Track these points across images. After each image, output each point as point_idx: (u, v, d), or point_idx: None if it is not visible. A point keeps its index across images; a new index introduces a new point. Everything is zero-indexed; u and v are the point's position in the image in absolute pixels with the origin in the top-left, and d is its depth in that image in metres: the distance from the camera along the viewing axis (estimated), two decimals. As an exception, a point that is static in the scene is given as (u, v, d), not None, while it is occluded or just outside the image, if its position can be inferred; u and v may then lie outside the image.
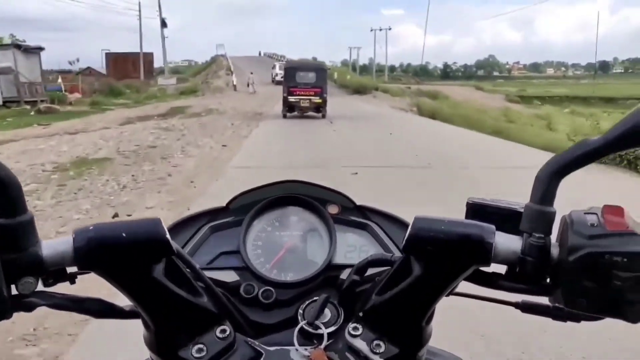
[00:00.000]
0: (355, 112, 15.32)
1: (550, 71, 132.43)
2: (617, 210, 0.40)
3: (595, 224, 0.40)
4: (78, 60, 47.42)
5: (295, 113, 14.19)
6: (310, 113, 14.19)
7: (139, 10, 36.74)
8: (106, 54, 46.24)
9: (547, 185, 0.41)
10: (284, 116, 14.01)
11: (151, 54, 38.61)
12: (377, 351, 0.45)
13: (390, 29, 64.21)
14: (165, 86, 28.80)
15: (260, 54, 47.94)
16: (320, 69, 15.22)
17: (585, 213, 0.40)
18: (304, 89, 14.38)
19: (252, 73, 27.75)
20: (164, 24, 36.19)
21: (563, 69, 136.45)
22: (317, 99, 14.24)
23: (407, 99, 23.26)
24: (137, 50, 38.01)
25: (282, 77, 34.75)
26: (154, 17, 39.43)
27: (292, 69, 14.90)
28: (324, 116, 14.10)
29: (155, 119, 12.91)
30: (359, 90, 26.59)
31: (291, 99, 14.11)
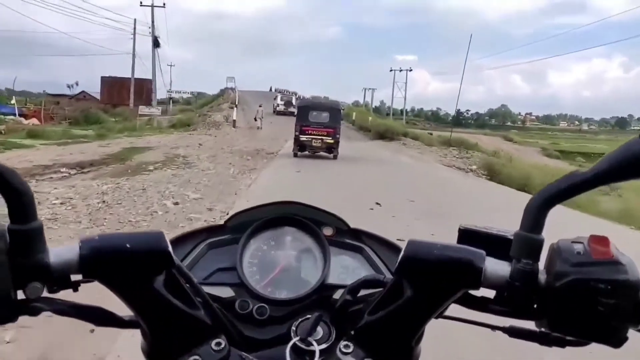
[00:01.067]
0: (399, 174, 10.95)
1: (563, 124, 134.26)
2: (603, 240, 0.43)
3: (582, 252, 0.42)
4: (77, 84, 40.61)
5: (307, 152, 13.76)
6: (322, 153, 13.73)
7: (134, 29, 34.13)
8: (102, 78, 43.54)
9: (536, 214, 0.43)
10: (295, 155, 13.60)
11: (149, 81, 34.92)
12: None
13: (411, 69, 63.03)
14: (149, 116, 26.18)
15: (271, 89, 46.85)
16: (334, 109, 14.69)
17: (572, 242, 0.43)
18: (316, 128, 13.98)
19: (260, 106, 25.30)
20: (156, 43, 33.29)
21: (576, 122, 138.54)
22: (329, 140, 13.76)
23: (451, 151, 19.96)
24: (145, 76, 35.27)
25: (283, 107, 33.75)
26: (164, 45, 37.24)
27: (305, 108, 14.49)
28: (335, 157, 13.67)
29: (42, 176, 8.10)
30: (383, 135, 23.49)
31: (303, 137, 13.65)
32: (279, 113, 31.37)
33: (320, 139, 13.70)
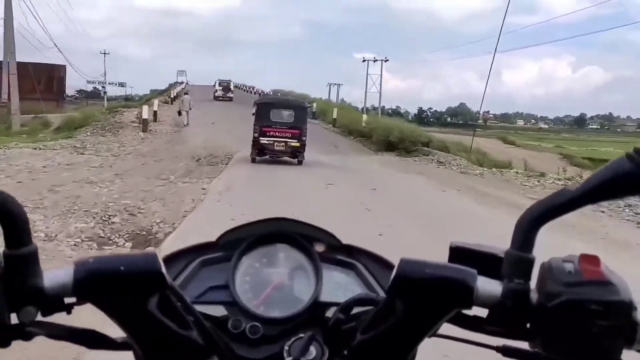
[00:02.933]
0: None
1: (520, 122, 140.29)
2: (593, 260, 0.45)
3: (573, 272, 0.44)
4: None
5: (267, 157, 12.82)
6: (285, 158, 12.97)
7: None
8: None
9: (526, 233, 0.46)
10: (253, 160, 12.90)
11: (62, 67, 28.32)
12: None
13: (387, 60, 59.34)
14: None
15: (216, 84, 39.79)
16: (299, 107, 13.99)
17: (563, 260, 0.45)
18: (279, 129, 13.08)
19: (186, 93, 21.75)
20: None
21: (533, 121, 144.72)
22: (294, 142, 13.09)
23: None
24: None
25: (222, 93, 32.26)
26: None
27: (266, 105, 13.67)
28: (300, 162, 12.99)
29: None
30: (394, 145, 17.07)
31: (263, 140, 12.90)
32: (216, 98, 34.61)
33: (283, 141, 12.99)
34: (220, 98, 35.54)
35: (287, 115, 13.25)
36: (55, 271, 0.46)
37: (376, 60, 58.00)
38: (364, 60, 57.74)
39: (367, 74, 54.52)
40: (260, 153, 12.82)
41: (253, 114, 13.07)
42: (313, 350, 0.54)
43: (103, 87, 36.08)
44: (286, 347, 0.55)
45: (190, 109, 19.42)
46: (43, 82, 25.85)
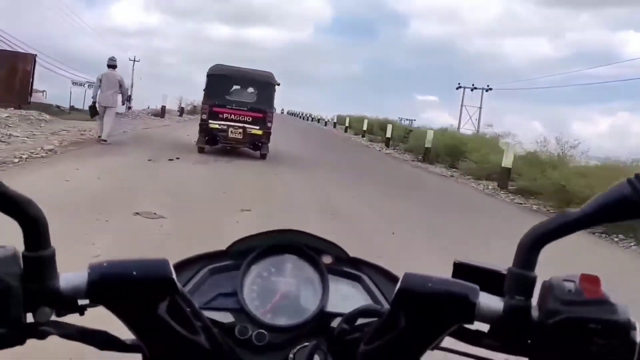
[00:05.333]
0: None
1: None
2: (594, 280, 0.50)
3: (573, 291, 0.49)
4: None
5: (218, 147, 11.40)
6: (245, 149, 11.55)
7: None
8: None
9: (528, 252, 0.51)
10: (201, 150, 11.30)
11: (30, 57, 21.09)
12: None
13: (490, 88, 55.15)
14: None
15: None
16: (265, 83, 11.91)
17: (563, 280, 0.50)
18: (236, 110, 11.34)
19: (112, 67, 12.63)
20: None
21: None
22: (255, 129, 11.37)
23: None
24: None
25: None
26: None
27: (219, 78, 11.59)
28: (263, 156, 11.44)
29: None
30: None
31: (214, 124, 11.22)
32: None
33: (241, 127, 11.20)
34: None
35: (248, 93, 11.68)
36: (71, 274, 0.51)
37: (475, 88, 52.99)
38: (458, 88, 54.60)
39: (462, 103, 52.56)
40: (211, 141, 11.35)
41: (204, 90, 11.59)
42: (317, 359, 0.61)
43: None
44: (291, 355, 0.62)
45: (129, 103, 15.92)
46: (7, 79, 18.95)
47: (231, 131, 11.21)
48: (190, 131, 14.40)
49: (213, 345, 0.56)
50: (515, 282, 0.52)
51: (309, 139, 22.17)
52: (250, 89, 11.73)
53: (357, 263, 0.74)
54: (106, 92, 11.15)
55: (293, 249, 0.73)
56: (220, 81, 11.39)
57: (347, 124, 35.52)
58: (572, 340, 0.48)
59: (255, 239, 0.74)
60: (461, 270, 0.57)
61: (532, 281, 0.51)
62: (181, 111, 29.07)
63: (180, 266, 0.70)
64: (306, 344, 0.62)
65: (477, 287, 0.52)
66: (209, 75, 11.61)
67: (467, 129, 47.42)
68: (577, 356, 0.48)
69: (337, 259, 0.74)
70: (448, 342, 0.57)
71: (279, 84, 12.25)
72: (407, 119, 51.86)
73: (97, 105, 11.20)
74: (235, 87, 11.68)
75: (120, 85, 11.43)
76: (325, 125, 44.43)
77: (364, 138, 27.81)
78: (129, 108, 21.57)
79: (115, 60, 11.59)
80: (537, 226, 0.52)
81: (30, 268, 0.49)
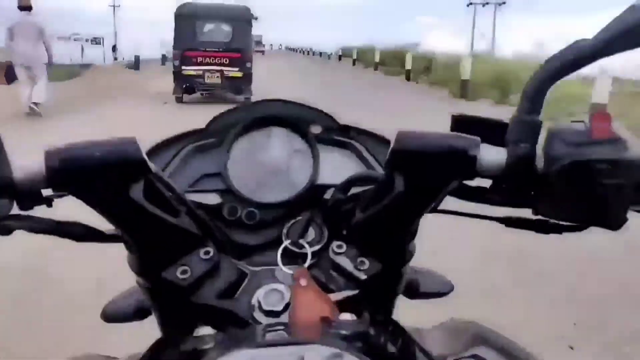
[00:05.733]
0: None
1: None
2: (604, 117, 0.47)
3: (581, 132, 0.47)
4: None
5: (198, 96, 11.11)
6: (228, 95, 11.02)
7: None
8: None
9: (534, 93, 0.48)
10: (179, 100, 10.89)
11: None
12: (361, 268, 0.55)
13: (504, 2, 50.76)
14: None
15: None
16: (240, 20, 11.21)
17: (572, 121, 0.49)
18: (211, 53, 10.82)
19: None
20: None
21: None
22: (234, 71, 10.82)
23: None
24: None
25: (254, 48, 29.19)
26: None
27: (188, 19, 10.97)
28: (247, 99, 10.64)
29: None
30: None
31: (188, 70, 10.69)
32: None
33: (218, 70, 10.69)
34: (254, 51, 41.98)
35: (222, 32, 11.10)
36: (25, 161, 0.48)
37: (487, 3, 47.80)
38: (469, 4, 48.92)
39: (473, 22, 50.06)
40: (189, 90, 10.94)
41: (174, 34, 11.13)
42: (312, 232, 0.60)
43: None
44: (284, 231, 0.61)
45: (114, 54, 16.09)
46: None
47: (208, 76, 10.72)
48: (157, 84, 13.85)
49: (200, 229, 0.56)
50: (520, 128, 0.49)
51: (312, 77, 19.27)
52: (224, 27, 11.07)
53: (348, 130, 0.72)
54: (23, 46, 8.25)
55: (278, 121, 0.71)
56: (190, 21, 10.79)
57: (354, 56, 32.57)
58: (579, 185, 0.47)
59: (237, 113, 0.71)
60: (459, 123, 0.54)
61: (538, 126, 0.49)
62: (163, 59, 26.85)
63: (158, 147, 0.68)
64: (299, 218, 0.62)
65: (478, 138, 0.50)
66: (176, 16, 10.95)
67: (480, 49, 43.64)
68: (585, 200, 0.47)
69: (326, 128, 0.72)
70: (447, 202, 0.58)
71: (256, 18, 11.67)
72: (410, 43, 49.13)
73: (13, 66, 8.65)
74: (207, 26, 11.04)
75: (42, 34, 8.45)
76: (329, 58, 42.88)
77: (377, 71, 24.91)
78: (115, 59, 20.52)
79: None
80: (543, 66, 0.49)
81: None
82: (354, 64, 31.06)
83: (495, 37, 48.22)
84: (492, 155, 0.49)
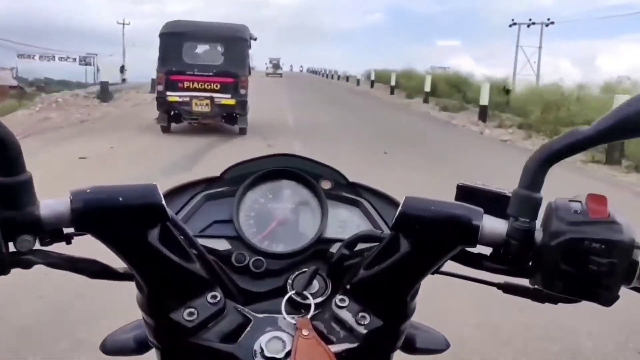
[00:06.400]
0: None
1: None
2: (600, 200, 0.54)
3: (579, 211, 0.54)
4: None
5: (185, 125, 10.78)
6: (220, 124, 10.78)
7: None
8: None
9: (535, 172, 0.55)
10: (164, 129, 10.66)
11: None
12: (362, 322, 0.61)
13: (552, 22, 48.15)
14: None
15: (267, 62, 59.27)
16: (233, 38, 10.76)
17: (569, 201, 0.56)
18: (199, 77, 10.38)
19: None
20: None
21: None
22: (225, 98, 10.37)
23: None
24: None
25: (272, 70, 36.83)
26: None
27: (174, 38, 10.55)
28: (242, 131, 10.73)
29: None
30: None
31: (173, 96, 10.32)
32: (267, 75, 47.80)
33: (207, 97, 10.27)
34: (271, 75, 49.48)
35: (213, 53, 10.80)
36: (52, 201, 0.56)
37: (533, 23, 47.24)
38: (512, 25, 48.68)
39: (517, 42, 47.56)
40: (175, 118, 10.60)
41: (158, 55, 10.85)
42: (316, 284, 0.67)
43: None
44: (289, 281, 0.68)
45: (122, 75, 16.89)
46: None
47: (195, 103, 10.35)
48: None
49: (209, 273, 0.63)
50: (520, 203, 0.56)
51: (349, 118, 15.50)
52: (216, 48, 10.87)
53: (356, 187, 0.81)
54: None
55: (290, 174, 0.80)
56: (177, 41, 10.48)
57: (392, 82, 28.83)
58: (574, 261, 0.53)
59: (251, 164, 0.80)
60: (464, 192, 0.61)
61: (538, 202, 0.56)
62: (153, 84, 25.50)
63: (173, 193, 0.77)
64: (305, 269, 0.69)
65: (481, 209, 0.58)
66: (161, 35, 10.73)
67: (525, 75, 42.50)
68: (578, 276, 0.53)
69: (335, 183, 0.80)
70: (448, 265, 0.65)
71: (255, 39, 11.31)
72: (440, 67, 48.14)
73: None
74: (196, 47, 10.95)
75: None
76: (358, 84, 40.45)
77: (429, 105, 21.50)
78: (123, 80, 20.42)
79: None
80: (545, 145, 0.56)
81: (5, 195, 0.53)
82: (392, 92, 27.87)
83: (540, 60, 47.51)
84: (493, 226, 0.57)
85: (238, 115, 10.53)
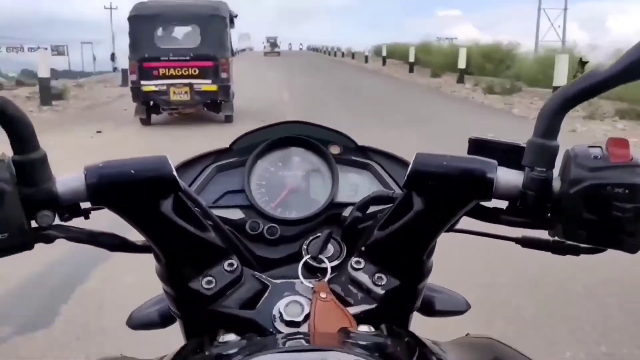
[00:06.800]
0: None
1: None
2: (622, 143, 0.54)
3: (599, 157, 0.54)
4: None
5: (166, 115, 10.30)
6: (203, 112, 10.55)
7: None
8: None
9: (551, 118, 0.56)
10: (144, 122, 10.14)
11: None
12: (379, 283, 0.64)
13: None
14: None
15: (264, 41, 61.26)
16: (210, 17, 10.15)
17: (589, 146, 0.56)
18: (175, 62, 9.89)
19: None
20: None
21: None
22: (206, 84, 9.86)
23: None
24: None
25: (270, 49, 39.94)
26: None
27: (145, 20, 10.00)
28: (228, 118, 10.25)
29: None
30: None
31: (148, 85, 9.79)
32: (266, 54, 49.10)
33: (186, 84, 9.79)
34: (269, 54, 50.55)
35: (189, 35, 10.33)
36: (67, 176, 0.61)
37: None
38: None
39: (539, 5, 44.59)
40: (153, 109, 10.10)
41: (129, 41, 10.34)
42: (331, 248, 0.70)
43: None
44: (304, 246, 0.71)
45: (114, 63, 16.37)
46: None
47: (174, 91, 9.84)
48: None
49: (225, 242, 0.67)
50: (536, 152, 0.57)
51: (372, 114, 11.47)
52: (192, 29, 10.44)
53: (366, 151, 0.84)
54: None
55: (299, 141, 0.83)
56: (148, 24, 10.01)
57: (411, 58, 24.70)
58: (596, 208, 0.53)
59: (259, 133, 0.84)
60: (477, 146, 0.63)
61: (555, 150, 0.56)
62: (124, 75, 23.56)
63: (184, 166, 0.81)
64: (319, 234, 0.71)
65: (495, 161, 0.58)
66: (130, 19, 10.26)
67: (548, 40, 39.82)
68: (601, 223, 0.54)
69: (345, 148, 0.83)
70: (464, 222, 0.65)
71: (235, 16, 10.78)
72: (446, 38, 46.49)
73: None
74: (170, 29, 10.55)
75: None
76: (366, 61, 34.96)
77: (465, 86, 17.72)
78: (115, 69, 19.91)
79: None
80: (560, 90, 0.56)
81: (22, 172, 0.57)
82: (411, 69, 24.05)
83: (566, 22, 44.48)
84: (508, 178, 0.58)
85: (222, 102, 10.24)
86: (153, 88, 9.71)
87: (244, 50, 68.21)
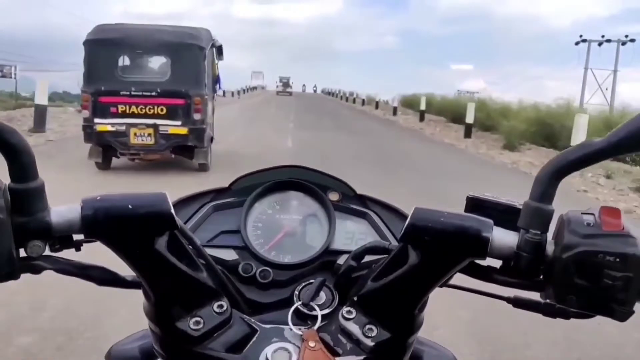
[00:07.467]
0: None
1: None
2: (614, 212, 0.59)
3: (592, 224, 0.59)
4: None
5: (126, 161, 9.68)
6: (173, 157, 10.03)
7: None
8: None
9: (547, 184, 0.60)
10: (100, 166, 9.44)
11: None
12: (369, 335, 0.67)
13: (633, 39, 46.51)
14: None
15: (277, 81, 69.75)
16: (183, 46, 9.42)
17: (582, 213, 0.61)
18: (138, 98, 9.27)
19: None
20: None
21: None
22: (174, 126, 9.18)
23: None
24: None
25: (282, 88, 41.48)
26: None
27: (104, 46, 9.21)
28: (203, 167, 9.65)
29: None
30: None
31: (103, 124, 9.09)
32: (278, 93, 57.47)
33: (150, 125, 9.18)
34: (281, 93, 57.40)
35: (157, 66, 9.97)
36: (62, 207, 0.64)
37: (608, 41, 46.10)
38: (578, 43, 46.60)
39: (586, 64, 44.49)
40: (113, 151, 9.53)
41: (84, 70, 9.83)
42: (323, 296, 0.75)
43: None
44: (296, 292, 0.77)
45: None
46: None
47: (134, 133, 9.09)
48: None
49: (216, 283, 0.71)
50: (531, 215, 0.61)
51: None
52: (160, 59, 9.89)
53: (364, 200, 0.89)
54: None
55: (299, 186, 0.88)
56: (108, 51, 9.36)
57: (469, 119, 18.88)
58: (587, 274, 0.57)
59: (259, 175, 0.89)
60: (474, 204, 0.68)
61: (549, 215, 0.61)
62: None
63: (182, 202, 0.86)
64: (312, 280, 0.76)
65: (491, 221, 0.63)
66: (87, 43, 9.54)
67: (593, 103, 38.22)
68: (590, 290, 0.58)
69: (343, 195, 0.88)
70: (457, 278, 0.70)
71: (219, 45, 9.97)
72: (467, 92, 46.23)
73: None
74: (135, 58, 9.86)
75: None
76: (394, 113, 31.48)
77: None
78: None
79: None
80: (557, 157, 0.61)
81: (17, 201, 0.60)
82: (468, 134, 18.02)
83: (615, 84, 44.45)
84: (503, 238, 0.62)
85: (195, 147, 9.56)
86: (109, 128, 8.97)
87: (254, 88, 73.24)
